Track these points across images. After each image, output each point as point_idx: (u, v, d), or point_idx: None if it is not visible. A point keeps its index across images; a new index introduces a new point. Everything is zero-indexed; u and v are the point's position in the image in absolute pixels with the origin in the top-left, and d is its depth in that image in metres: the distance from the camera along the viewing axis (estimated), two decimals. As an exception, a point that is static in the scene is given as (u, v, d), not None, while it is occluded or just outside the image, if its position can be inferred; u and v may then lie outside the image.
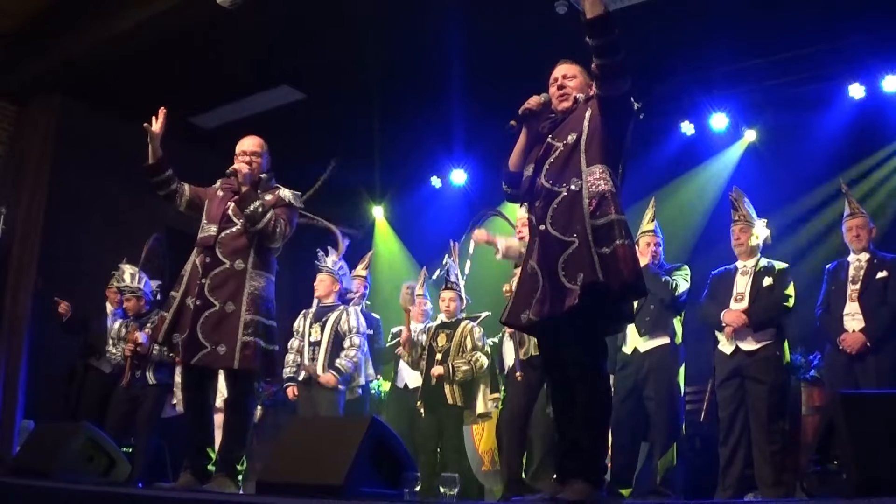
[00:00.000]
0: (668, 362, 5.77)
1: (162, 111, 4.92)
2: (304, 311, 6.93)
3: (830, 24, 6.84)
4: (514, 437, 5.62)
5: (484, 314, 6.86)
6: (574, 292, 3.48)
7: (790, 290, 5.64)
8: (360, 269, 7.43)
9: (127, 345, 6.97)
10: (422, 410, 6.50)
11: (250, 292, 4.65)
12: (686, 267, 6.04)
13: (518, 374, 5.61)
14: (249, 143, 4.97)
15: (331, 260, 6.89)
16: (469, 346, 6.42)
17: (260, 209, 4.68)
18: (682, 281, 5.88)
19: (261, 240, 4.72)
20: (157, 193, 4.99)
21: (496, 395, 6.47)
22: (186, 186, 4.97)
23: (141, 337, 6.88)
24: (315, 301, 6.90)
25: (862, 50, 7.08)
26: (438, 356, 6.47)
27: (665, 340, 5.81)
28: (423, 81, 7.90)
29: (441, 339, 6.53)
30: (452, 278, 6.72)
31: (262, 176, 4.91)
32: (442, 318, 6.71)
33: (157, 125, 4.88)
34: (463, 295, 6.78)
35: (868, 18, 6.69)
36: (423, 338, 6.88)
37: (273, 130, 7.99)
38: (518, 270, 5.84)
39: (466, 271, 6.86)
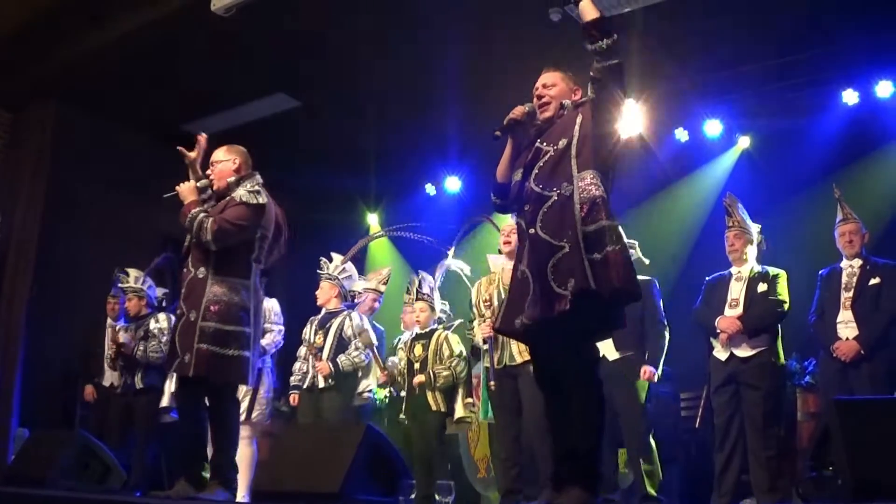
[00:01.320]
0: (633, 372, 5.72)
1: (203, 137, 4.94)
2: (311, 318, 6.93)
3: (824, 29, 6.85)
4: (508, 446, 5.63)
5: (457, 322, 6.90)
6: (564, 298, 3.50)
7: (785, 296, 5.63)
8: (378, 284, 7.40)
9: (111, 345, 7.01)
10: (406, 420, 6.51)
11: (209, 299, 4.61)
12: (653, 280, 6.04)
13: (491, 383, 5.63)
14: (215, 153, 4.97)
15: (332, 266, 6.89)
16: (447, 353, 6.46)
17: (190, 215, 4.65)
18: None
19: (206, 247, 4.69)
20: None
21: (470, 399, 6.52)
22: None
23: (122, 337, 6.89)
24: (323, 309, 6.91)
25: (855, 55, 7.10)
26: (417, 366, 6.49)
27: (632, 351, 5.76)
28: (417, 88, 7.91)
29: (417, 350, 6.56)
30: (426, 290, 6.75)
31: (230, 180, 4.86)
32: (416, 329, 6.73)
33: (194, 152, 4.89)
34: (436, 306, 6.80)
35: (861, 24, 6.71)
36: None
37: (268, 138, 8.05)
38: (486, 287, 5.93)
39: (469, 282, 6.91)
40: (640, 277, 5.83)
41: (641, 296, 3.83)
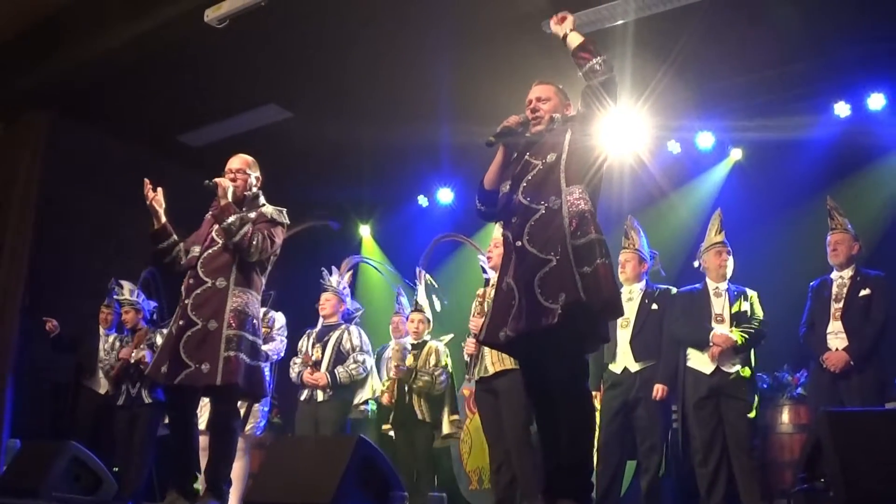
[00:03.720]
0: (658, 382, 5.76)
1: (147, 183, 4.88)
2: (308, 330, 6.94)
3: (816, 42, 6.88)
4: (499, 457, 5.63)
5: (449, 336, 6.93)
6: (553, 311, 3.50)
7: (761, 315, 5.75)
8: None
9: (120, 351, 7.01)
10: (391, 433, 6.54)
11: (232, 309, 4.61)
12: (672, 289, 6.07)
13: (465, 388, 5.71)
14: (235, 161, 4.97)
15: (335, 279, 6.91)
16: (433, 362, 6.56)
17: (237, 222, 4.63)
18: None
19: (241, 255, 4.69)
20: (162, 262, 4.96)
21: (455, 416, 6.56)
22: (181, 244, 4.93)
23: (147, 357, 6.89)
24: (320, 321, 6.91)
25: (847, 68, 7.13)
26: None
27: (655, 360, 5.80)
28: (409, 100, 7.91)
29: (409, 360, 6.65)
30: (421, 301, 6.80)
31: (247, 193, 4.89)
32: (410, 339, 6.77)
33: (152, 197, 4.86)
34: (430, 317, 6.85)
35: (853, 36, 6.75)
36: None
37: (261, 149, 7.99)
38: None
39: (436, 303, 6.98)
40: (662, 286, 5.96)
41: (623, 311, 3.87)
